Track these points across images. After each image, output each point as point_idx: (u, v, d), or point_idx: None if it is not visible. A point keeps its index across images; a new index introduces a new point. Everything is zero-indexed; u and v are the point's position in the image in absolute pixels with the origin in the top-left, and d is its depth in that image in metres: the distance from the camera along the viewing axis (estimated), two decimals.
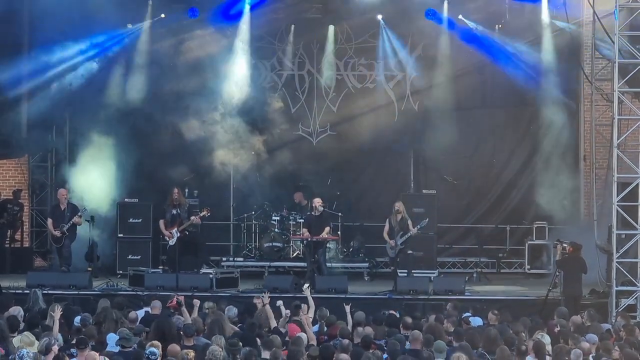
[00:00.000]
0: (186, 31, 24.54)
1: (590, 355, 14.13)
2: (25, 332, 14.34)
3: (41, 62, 23.86)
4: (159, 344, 13.47)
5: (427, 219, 22.03)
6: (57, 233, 22.13)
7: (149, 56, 24.51)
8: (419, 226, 21.70)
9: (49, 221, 22.52)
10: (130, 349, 13.98)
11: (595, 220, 22.04)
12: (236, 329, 15.88)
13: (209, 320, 16.07)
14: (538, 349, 14.03)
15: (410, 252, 21.91)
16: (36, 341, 13.86)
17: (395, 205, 21.99)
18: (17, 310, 16.65)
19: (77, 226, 22.39)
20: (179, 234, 22.35)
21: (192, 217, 22.40)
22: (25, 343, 13.79)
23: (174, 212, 22.55)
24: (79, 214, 22.14)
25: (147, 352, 12.94)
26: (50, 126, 25.00)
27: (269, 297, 17.22)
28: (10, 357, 13.06)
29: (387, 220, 22.08)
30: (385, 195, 24.09)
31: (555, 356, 13.93)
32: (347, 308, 16.93)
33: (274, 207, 24.70)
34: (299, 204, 24.68)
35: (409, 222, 21.83)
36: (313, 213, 22.42)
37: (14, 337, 14.46)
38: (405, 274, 21.93)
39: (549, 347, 14.48)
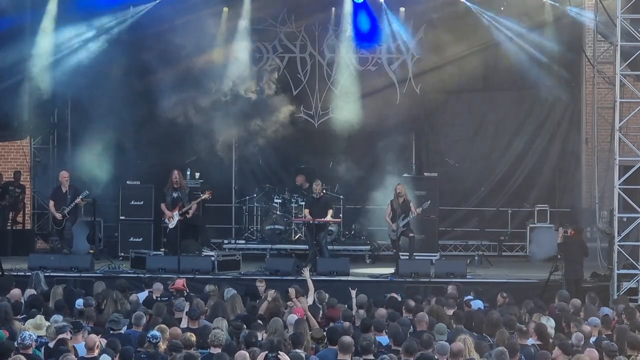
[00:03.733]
0: (189, 12, 24.43)
1: (591, 339, 14.14)
2: (38, 315, 14.43)
3: (44, 44, 23.82)
4: (165, 327, 13.48)
5: (429, 201, 22.01)
6: (59, 215, 22.10)
7: (152, 38, 24.43)
8: (421, 208, 21.69)
9: (51, 203, 22.48)
10: (120, 331, 14.02)
11: (597, 204, 22.06)
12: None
13: (211, 302, 16.10)
14: (540, 331, 14.06)
15: (412, 234, 21.90)
16: (44, 325, 13.95)
17: (397, 188, 21.99)
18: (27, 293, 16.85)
19: (78, 209, 22.33)
20: (179, 217, 22.28)
21: (193, 202, 22.36)
22: (33, 326, 13.87)
23: (174, 195, 22.47)
24: (81, 196, 22.09)
25: (149, 335, 12.98)
26: (52, 108, 25.01)
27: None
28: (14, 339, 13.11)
29: (389, 203, 22.07)
30: (387, 178, 24.05)
31: (557, 338, 13.94)
32: (353, 293, 16.90)
33: (275, 190, 24.72)
34: (301, 186, 24.67)
35: (411, 204, 21.82)
36: (314, 195, 22.43)
37: (17, 319, 14.55)
38: (407, 257, 21.94)
39: (552, 331, 14.51)
